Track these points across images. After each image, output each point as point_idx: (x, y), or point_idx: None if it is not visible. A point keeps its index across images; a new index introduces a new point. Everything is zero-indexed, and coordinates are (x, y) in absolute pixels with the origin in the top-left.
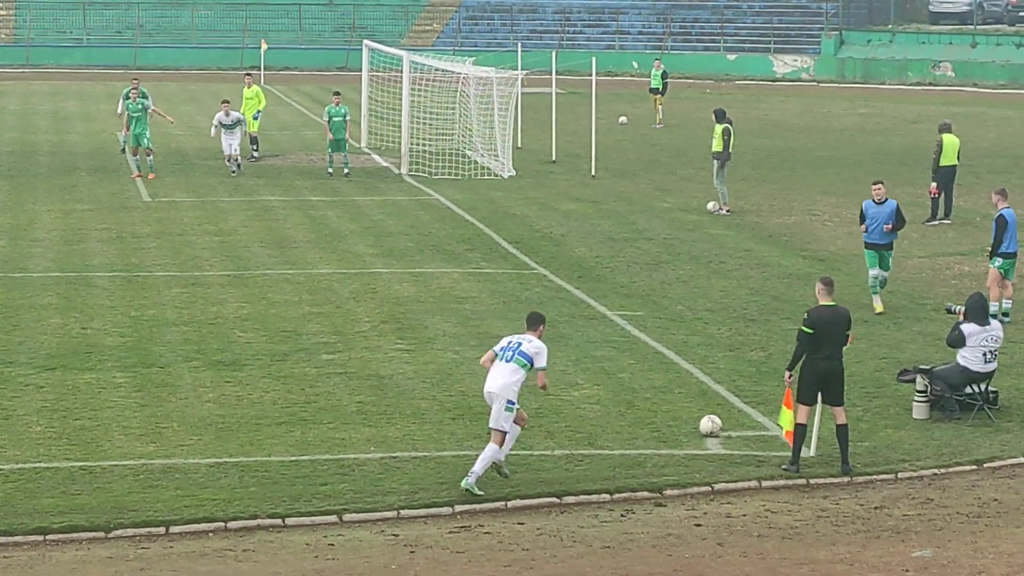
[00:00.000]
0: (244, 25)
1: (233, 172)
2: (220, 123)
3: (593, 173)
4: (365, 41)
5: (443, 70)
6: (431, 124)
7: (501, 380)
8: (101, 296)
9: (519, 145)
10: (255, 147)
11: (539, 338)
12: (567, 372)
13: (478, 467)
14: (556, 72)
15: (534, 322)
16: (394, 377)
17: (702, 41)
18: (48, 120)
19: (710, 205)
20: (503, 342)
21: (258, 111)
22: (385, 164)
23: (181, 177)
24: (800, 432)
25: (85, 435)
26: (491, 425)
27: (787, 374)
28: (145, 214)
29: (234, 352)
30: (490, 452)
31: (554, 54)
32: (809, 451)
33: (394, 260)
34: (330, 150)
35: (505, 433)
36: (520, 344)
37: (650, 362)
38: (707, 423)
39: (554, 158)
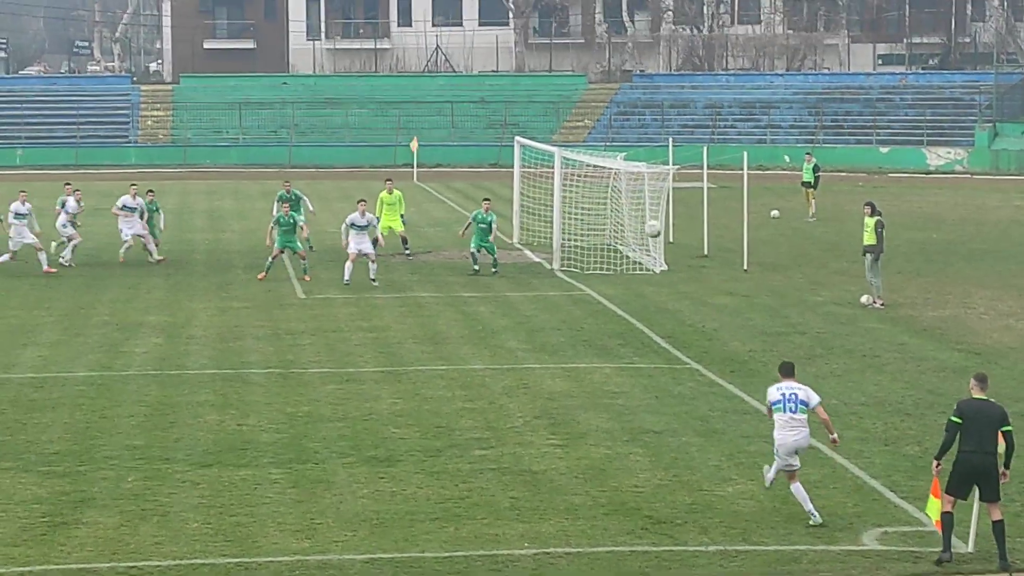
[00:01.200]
0: (397, 123)
1: (374, 281)
2: (353, 223)
3: (745, 267)
4: (517, 138)
5: (594, 165)
6: (582, 219)
7: (804, 430)
8: (257, 393)
9: (671, 239)
10: (406, 246)
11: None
12: (721, 467)
13: (810, 504)
14: (707, 166)
15: (790, 370)
16: (547, 472)
17: (854, 134)
18: (204, 218)
19: (863, 298)
20: (775, 395)
21: (402, 214)
22: (537, 259)
23: (335, 274)
24: (947, 520)
25: (241, 531)
26: (796, 467)
27: (935, 463)
28: (300, 311)
29: (388, 448)
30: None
31: (705, 148)
32: (968, 547)
33: (546, 355)
34: (473, 249)
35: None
36: (796, 394)
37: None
38: (651, 225)
39: (706, 252)
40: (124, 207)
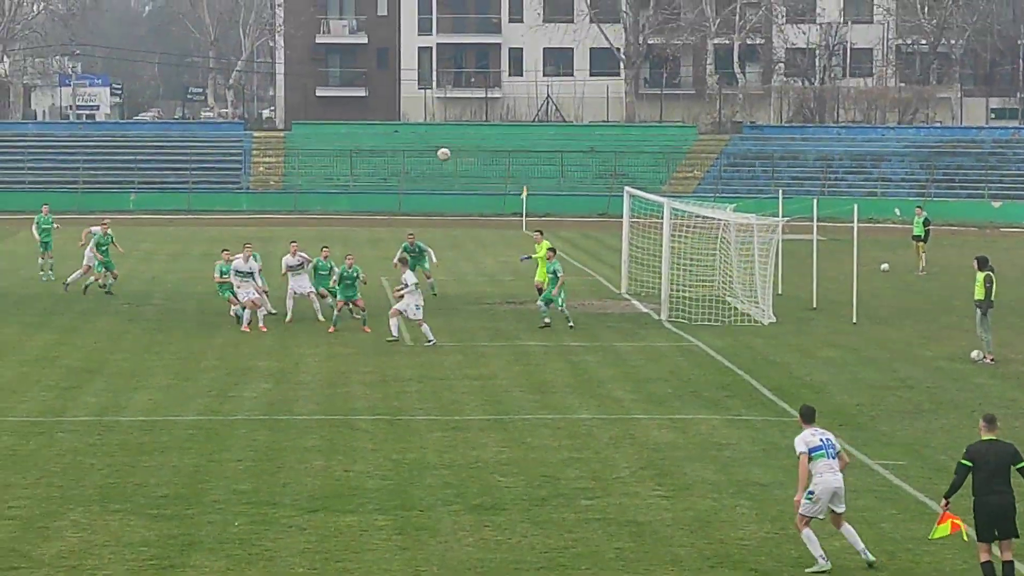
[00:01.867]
0: (507, 172)
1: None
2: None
3: (854, 320)
4: (626, 188)
5: (704, 216)
6: (691, 270)
7: (840, 474)
8: (364, 439)
9: (779, 292)
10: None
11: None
12: (826, 522)
13: (860, 543)
14: (817, 219)
15: (812, 415)
16: (652, 523)
17: (966, 188)
18: None
19: (974, 354)
20: (813, 440)
21: (528, 256)
22: (645, 310)
23: (443, 321)
24: (987, 569)
25: None
26: (843, 510)
27: (943, 501)
28: (407, 358)
29: (493, 496)
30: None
31: (815, 201)
32: None
33: (653, 406)
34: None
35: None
36: (830, 439)
37: (912, 512)
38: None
39: (815, 305)
40: (236, 272)
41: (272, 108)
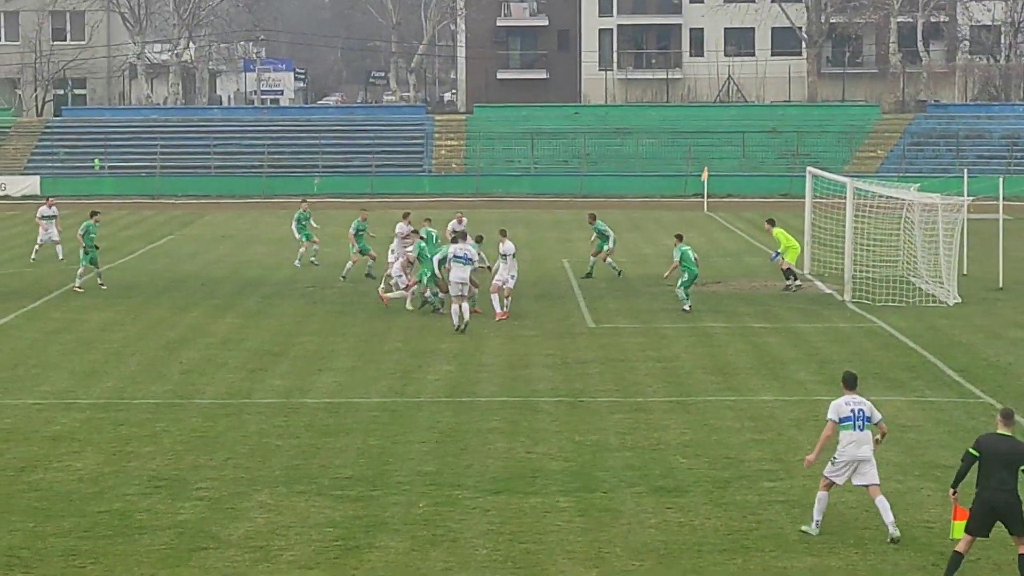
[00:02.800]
0: (688, 153)
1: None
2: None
3: None
4: (809, 168)
5: (887, 196)
6: (874, 250)
7: (869, 446)
8: (546, 421)
9: (965, 272)
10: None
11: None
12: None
13: (890, 516)
14: (1003, 198)
15: (854, 382)
16: (836, 506)
17: None
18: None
19: None
20: (844, 411)
21: (777, 252)
22: (828, 291)
23: (624, 303)
24: (955, 560)
25: (530, 559)
26: (874, 482)
27: (952, 491)
28: (589, 340)
29: (676, 478)
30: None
31: (1001, 180)
32: None
33: (836, 387)
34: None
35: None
36: (863, 411)
37: None
38: None
39: (1000, 285)
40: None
41: (453, 91)
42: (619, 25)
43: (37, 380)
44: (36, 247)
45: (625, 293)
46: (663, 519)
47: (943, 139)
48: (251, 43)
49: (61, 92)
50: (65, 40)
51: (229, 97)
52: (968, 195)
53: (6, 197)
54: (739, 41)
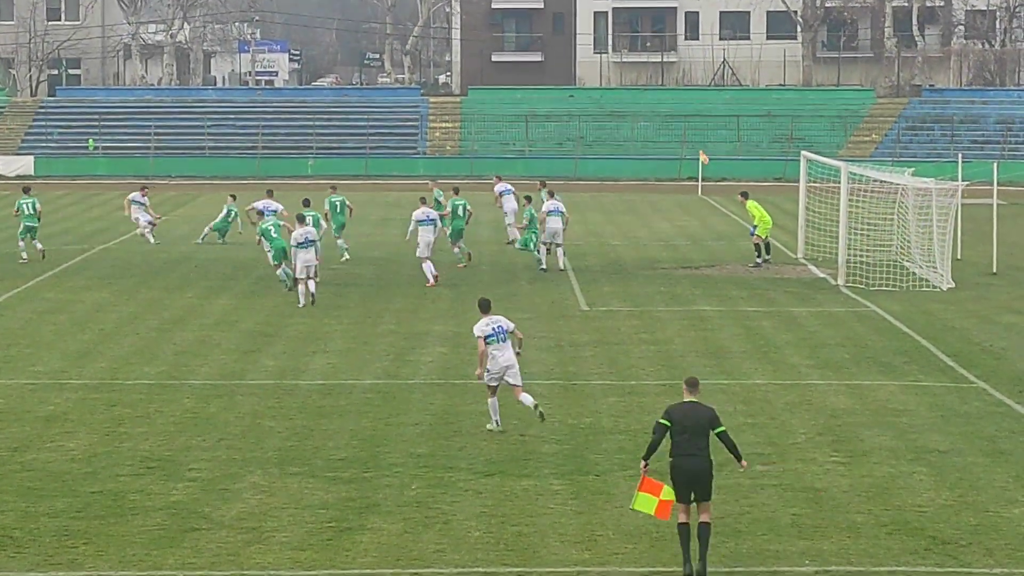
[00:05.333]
0: (682, 137)
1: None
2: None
3: None
4: (803, 152)
5: (881, 181)
6: (868, 235)
7: (510, 353)
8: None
9: (959, 256)
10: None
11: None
12: (1007, 488)
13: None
14: (998, 183)
15: (488, 305)
16: (829, 490)
17: None
18: (488, 230)
19: None
20: (487, 329)
21: (753, 226)
22: (822, 275)
23: (618, 286)
24: (683, 532)
25: (522, 541)
26: (519, 383)
27: (643, 463)
28: (583, 323)
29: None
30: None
31: (996, 165)
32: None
33: (830, 372)
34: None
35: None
36: (501, 326)
37: None
38: None
39: (994, 270)
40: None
41: (448, 73)
42: (614, 8)
43: (30, 360)
44: (141, 231)
45: (619, 276)
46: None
47: (938, 124)
48: (246, 24)
49: (55, 72)
50: (60, 20)
51: (224, 78)
52: (962, 180)
53: (0, 177)
54: (734, 25)
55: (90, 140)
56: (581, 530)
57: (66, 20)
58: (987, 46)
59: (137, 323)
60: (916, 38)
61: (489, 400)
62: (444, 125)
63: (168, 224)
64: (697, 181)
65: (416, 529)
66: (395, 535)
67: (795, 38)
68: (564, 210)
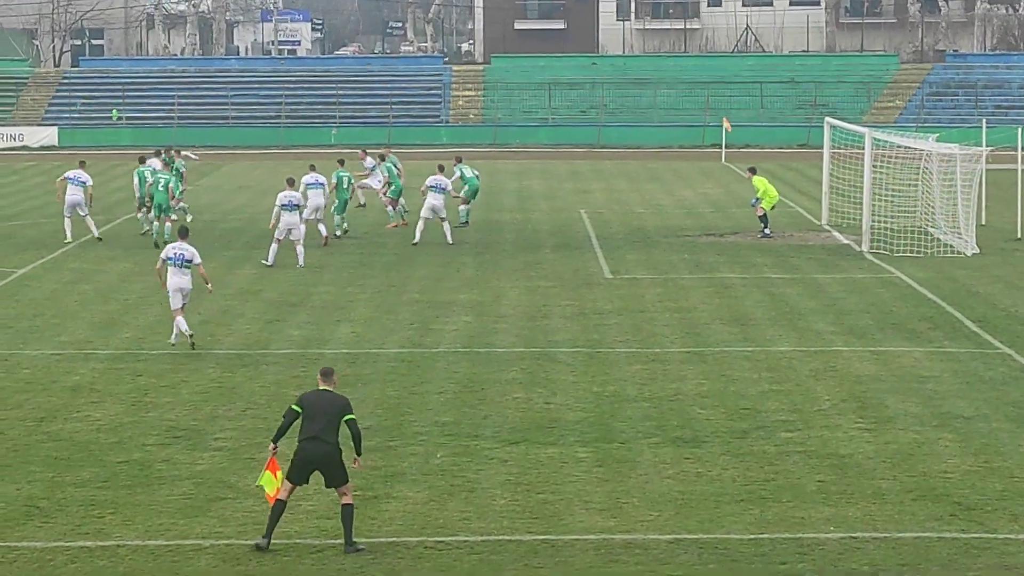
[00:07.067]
0: (706, 104)
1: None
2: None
3: None
4: (827, 118)
5: (905, 147)
6: (892, 201)
7: (187, 277)
8: (564, 371)
9: (983, 222)
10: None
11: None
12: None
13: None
14: (1022, 148)
15: (186, 233)
16: (854, 456)
17: None
18: (513, 198)
19: None
20: (170, 252)
21: (756, 198)
22: (846, 241)
23: (642, 254)
24: (278, 508)
25: (547, 509)
26: (180, 304)
27: (272, 445)
28: (607, 291)
29: (693, 429)
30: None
31: (1020, 130)
32: None
33: (854, 338)
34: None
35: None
36: (182, 255)
37: None
38: None
39: (1019, 236)
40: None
41: (471, 42)
42: None
43: (56, 331)
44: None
45: (643, 244)
46: (680, 470)
47: (962, 89)
48: None
49: (79, 42)
50: None
51: (246, 48)
52: (986, 145)
53: (24, 148)
54: None
55: (114, 110)
56: (606, 498)
57: None
58: (1011, 11)
59: (161, 293)
60: (940, 3)
61: (175, 319)
62: (467, 93)
63: (192, 193)
64: (721, 148)
65: (441, 497)
66: (420, 503)
67: (818, 4)
68: (447, 186)
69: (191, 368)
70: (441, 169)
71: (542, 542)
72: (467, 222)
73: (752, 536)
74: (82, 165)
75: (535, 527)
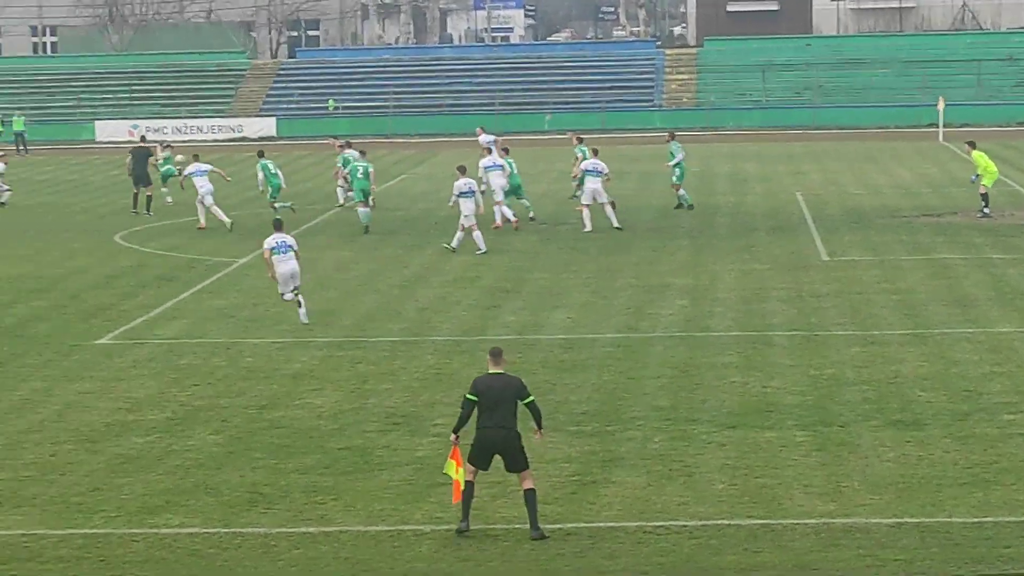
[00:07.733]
0: (922, 83)
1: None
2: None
3: None
4: None
5: None
6: None
7: (293, 262)
8: (781, 355)
9: None
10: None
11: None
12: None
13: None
14: None
15: (280, 225)
16: None
17: None
18: (727, 181)
19: None
20: (273, 243)
21: (975, 174)
22: None
23: (859, 235)
24: (468, 490)
25: (766, 493)
26: (296, 284)
27: (453, 436)
28: (823, 273)
29: (914, 412)
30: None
31: None
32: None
33: None
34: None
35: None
36: (285, 242)
37: None
38: None
39: None
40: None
41: (683, 25)
42: None
43: (276, 319)
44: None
45: (860, 225)
46: (901, 453)
47: None
48: None
49: (295, 34)
50: None
51: (460, 35)
52: None
53: (243, 139)
54: None
55: (330, 100)
56: (826, 481)
57: None
58: None
59: (378, 281)
60: None
61: (282, 293)
62: (680, 77)
63: (406, 182)
64: (938, 127)
65: (660, 482)
66: (639, 488)
67: None
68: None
69: (409, 355)
70: (596, 153)
71: (761, 526)
72: (692, 205)
73: (975, 519)
74: (196, 158)
75: (754, 511)
